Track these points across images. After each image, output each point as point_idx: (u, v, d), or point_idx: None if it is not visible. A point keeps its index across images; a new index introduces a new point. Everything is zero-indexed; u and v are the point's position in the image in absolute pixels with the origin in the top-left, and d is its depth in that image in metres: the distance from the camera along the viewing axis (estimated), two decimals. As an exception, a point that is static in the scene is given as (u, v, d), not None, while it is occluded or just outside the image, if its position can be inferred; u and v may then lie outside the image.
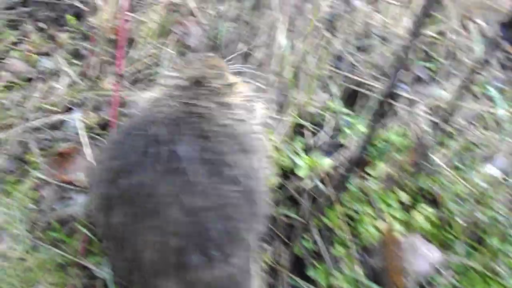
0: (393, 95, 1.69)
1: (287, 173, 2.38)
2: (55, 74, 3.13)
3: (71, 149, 2.68)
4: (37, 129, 2.73)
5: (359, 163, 1.99)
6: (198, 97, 1.75)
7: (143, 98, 1.94)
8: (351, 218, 2.15)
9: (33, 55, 3.32)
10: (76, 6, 3.62)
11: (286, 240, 2.22)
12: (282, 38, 2.81)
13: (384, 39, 3.05)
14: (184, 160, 1.48)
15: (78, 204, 2.44)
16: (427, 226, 2.07)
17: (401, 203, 2.16)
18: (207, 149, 1.55)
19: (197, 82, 1.85)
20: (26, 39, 3.48)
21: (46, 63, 3.25)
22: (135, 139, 1.61)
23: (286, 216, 2.29)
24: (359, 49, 2.96)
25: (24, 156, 2.63)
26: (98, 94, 2.93)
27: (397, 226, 2.06)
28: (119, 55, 2.61)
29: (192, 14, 3.38)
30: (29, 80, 3.10)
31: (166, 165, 1.49)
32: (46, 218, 2.34)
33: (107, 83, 2.94)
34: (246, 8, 3.35)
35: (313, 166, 2.17)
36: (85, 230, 2.21)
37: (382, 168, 2.23)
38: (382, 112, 1.75)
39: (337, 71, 2.82)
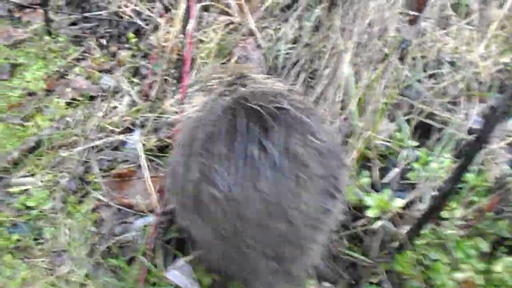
0: (487, 138, 1.54)
1: (352, 209, 2.26)
2: (116, 92, 3.16)
3: (130, 171, 2.67)
4: (98, 149, 2.75)
5: (439, 208, 1.84)
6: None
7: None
8: (423, 265, 2.00)
9: (95, 72, 3.38)
10: (137, 24, 3.67)
11: (352, 282, 2.10)
12: (345, 65, 2.70)
13: (455, 65, 2.87)
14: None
15: (137, 229, 2.42)
16: (510, 279, 1.89)
17: (481, 252, 1.99)
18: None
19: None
20: (88, 55, 3.55)
21: (108, 81, 3.29)
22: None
23: (349, 254, 2.16)
24: (430, 76, 2.79)
25: (85, 176, 2.65)
26: (158, 116, 2.92)
27: (477, 279, 1.89)
28: (183, 81, 2.58)
29: (251, 33, 3.33)
30: (92, 98, 3.14)
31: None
32: (106, 242, 2.33)
33: (168, 105, 2.93)
34: (307, 29, 3.26)
35: (383, 206, 2.04)
36: (144, 259, 2.18)
37: (458, 211, 2.06)
38: (474, 152, 1.60)
39: (406, 99, 2.67)
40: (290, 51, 3.24)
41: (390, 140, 2.46)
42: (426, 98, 2.68)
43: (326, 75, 2.81)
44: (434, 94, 2.72)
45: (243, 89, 1.79)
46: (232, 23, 3.43)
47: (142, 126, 2.87)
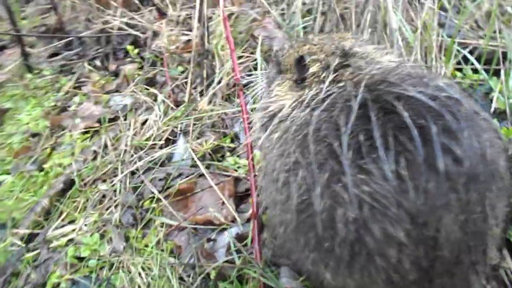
0: None
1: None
2: (137, 108, 2.72)
3: (190, 184, 2.25)
4: (144, 169, 2.31)
5: None
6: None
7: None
8: None
9: (101, 95, 2.93)
10: (132, 35, 3.26)
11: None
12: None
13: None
14: None
15: (225, 244, 2.00)
16: None
17: None
18: None
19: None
20: (87, 80, 3.10)
21: (119, 100, 2.86)
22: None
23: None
24: None
25: (141, 203, 2.19)
26: (197, 118, 2.52)
27: None
28: (235, 65, 2.21)
29: (267, 12, 3.03)
30: (111, 120, 2.69)
31: None
32: (194, 270, 1.89)
33: (204, 105, 2.54)
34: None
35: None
36: (259, 275, 1.76)
37: None
38: None
39: None
40: (308, 23, 2.98)
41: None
42: None
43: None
44: None
45: (364, 73, 1.41)
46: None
47: (185, 133, 2.46)
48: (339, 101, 1.36)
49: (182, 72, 2.88)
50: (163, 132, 2.47)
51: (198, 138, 2.43)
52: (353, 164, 1.23)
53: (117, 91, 2.97)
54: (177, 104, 2.64)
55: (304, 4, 3.07)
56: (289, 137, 1.44)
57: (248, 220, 2.09)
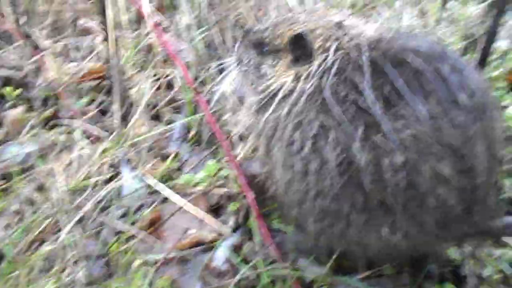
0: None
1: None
2: (48, 152, 2.28)
3: (157, 212, 1.99)
4: (100, 211, 1.95)
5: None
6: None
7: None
8: None
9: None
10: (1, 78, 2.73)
11: None
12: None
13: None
14: None
15: (227, 258, 1.83)
16: None
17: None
18: None
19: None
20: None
21: (17, 150, 2.35)
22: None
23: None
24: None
25: (109, 250, 1.84)
26: (132, 144, 2.25)
27: None
28: (185, 74, 2.04)
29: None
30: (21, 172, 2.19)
31: None
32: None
33: (139, 127, 2.29)
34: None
35: None
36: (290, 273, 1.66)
37: None
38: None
39: None
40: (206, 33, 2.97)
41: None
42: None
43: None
44: None
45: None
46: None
47: (128, 161, 2.17)
48: (347, 64, 1.41)
49: (92, 101, 2.55)
50: (99, 167, 2.12)
51: (144, 162, 2.17)
52: (384, 114, 1.29)
53: (7, 141, 2.43)
54: (98, 136, 2.31)
55: (196, 17, 3.06)
56: (302, 107, 1.43)
57: (237, 228, 1.96)
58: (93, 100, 2.59)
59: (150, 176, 2.10)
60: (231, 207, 2.01)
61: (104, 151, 2.20)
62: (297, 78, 1.50)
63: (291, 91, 1.49)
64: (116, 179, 2.10)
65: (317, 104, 1.40)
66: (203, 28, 3.00)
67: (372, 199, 1.34)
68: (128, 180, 2.09)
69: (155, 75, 2.65)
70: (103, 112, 2.57)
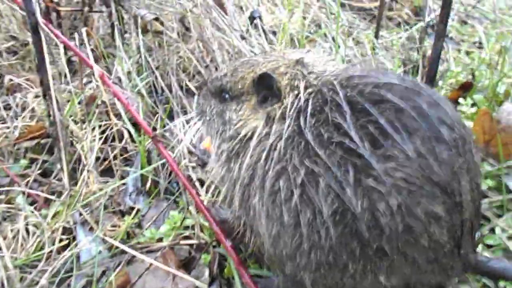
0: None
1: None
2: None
3: (125, 276, 1.82)
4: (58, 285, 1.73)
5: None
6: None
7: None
8: None
9: None
10: None
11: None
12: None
13: None
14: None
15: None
16: None
17: None
18: None
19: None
20: None
21: None
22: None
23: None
24: None
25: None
26: (84, 205, 2.07)
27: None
28: (141, 123, 1.92)
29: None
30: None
31: None
32: None
33: (92, 182, 2.11)
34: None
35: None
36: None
37: None
38: None
39: None
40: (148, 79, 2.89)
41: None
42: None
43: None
44: None
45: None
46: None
47: (82, 223, 1.98)
48: (323, 104, 1.37)
49: (30, 163, 2.32)
50: (51, 235, 1.91)
51: (99, 224, 1.99)
52: (373, 155, 1.25)
53: None
54: (46, 200, 2.10)
55: (136, 63, 2.97)
56: (283, 152, 1.36)
57: (213, 280, 1.84)
58: (32, 162, 2.37)
59: (110, 238, 1.93)
60: (204, 259, 1.90)
61: (54, 215, 1.99)
62: (269, 120, 1.47)
63: (266, 135, 1.44)
64: (71, 246, 1.90)
65: (300, 148, 1.34)
66: (144, 75, 2.94)
67: (370, 246, 1.27)
68: (86, 245, 1.90)
69: (99, 128, 2.50)
70: (45, 174, 2.36)
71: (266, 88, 1.49)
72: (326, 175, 1.26)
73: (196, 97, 1.75)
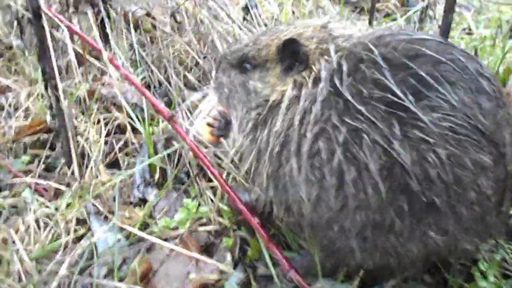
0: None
1: None
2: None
3: (147, 263, 1.77)
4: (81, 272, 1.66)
5: None
6: None
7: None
8: None
9: None
10: None
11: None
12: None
13: None
14: None
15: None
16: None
17: None
18: None
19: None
20: None
21: None
22: None
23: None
24: None
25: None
26: (95, 195, 2.00)
27: None
28: (157, 106, 1.88)
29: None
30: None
31: None
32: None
33: (103, 176, 2.05)
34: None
35: None
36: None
37: None
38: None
39: None
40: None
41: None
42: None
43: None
44: None
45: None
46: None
47: (98, 212, 1.91)
48: (357, 63, 1.36)
49: (32, 159, 2.23)
50: (65, 225, 1.84)
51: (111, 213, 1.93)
52: (418, 106, 1.25)
53: None
54: (56, 192, 2.02)
55: (131, 59, 2.92)
56: (319, 113, 1.34)
57: (236, 263, 1.81)
58: (33, 158, 2.27)
59: (128, 226, 1.87)
60: (226, 242, 1.87)
61: (66, 207, 1.91)
62: (298, 85, 1.46)
63: (296, 99, 1.43)
64: (86, 236, 1.83)
65: (339, 108, 1.33)
66: (139, 70, 2.89)
67: (419, 201, 1.27)
68: (102, 234, 1.83)
69: (100, 121, 2.43)
70: (47, 170, 2.27)
71: (291, 54, 1.49)
72: (371, 131, 1.26)
73: (213, 72, 1.72)
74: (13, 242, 1.75)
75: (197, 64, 2.88)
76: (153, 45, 3.11)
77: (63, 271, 1.65)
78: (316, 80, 1.41)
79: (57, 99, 2.11)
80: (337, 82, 1.35)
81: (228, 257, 1.84)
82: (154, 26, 3.21)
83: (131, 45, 3.11)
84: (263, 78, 1.55)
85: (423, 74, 1.27)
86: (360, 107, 1.29)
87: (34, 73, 3.16)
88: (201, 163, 1.84)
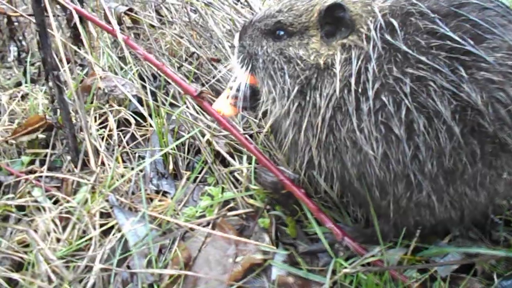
0: None
1: None
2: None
3: (185, 248, 1.65)
4: (119, 264, 1.52)
5: None
6: None
7: None
8: None
9: None
10: None
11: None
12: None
13: None
14: None
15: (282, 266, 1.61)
16: None
17: None
18: None
19: None
20: None
21: None
22: None
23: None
24: None
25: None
26: (110, 186, 1.85)
27: None
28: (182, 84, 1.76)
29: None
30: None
31: None
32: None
33: (116, 167, 1.90)
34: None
35: None
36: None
37: None
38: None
39: None
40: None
41: None
42: None
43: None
44: None
45: None
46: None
47: (121, 204, 1.77)
48: (406, 16, 1.36)
49: (34, 157, 2.05)
50: (90, 220, 1.68)
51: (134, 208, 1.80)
52: (480, 47, 1.27)
53: None
54: (68, 192, 1.85)
55: (119, 57, 2.77)
56: (377, 70, 1.32)
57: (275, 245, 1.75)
58: (35, 157, 2.08)
59: (160, 215, 1.75)
60: (263, 223, 1.79)
61: (87, 201, 1.76)
62: (346, 48, 1.43)
63: (348, 61, 1.40)
64: (114, 230, 1.69)
65: (398, 61, 1.32)
66: (130, 65, 2.75)
67: (491, 142, 1.28)
68: (128, 227, 1.69)
69: (104, 115, 2.29)
70: (49, 169, 2.08)
71: (336, 19, 1.46)
72: (436, 78, 1.27)
73: (236, 40, 1.64)
74: (35, 242, 1.57)
75: (191, 54, 2.78)
76: (140, 40, 2.99)
77: (98, 266, 1.51)
78: (368, 40, 1.40)
79: (60, 91, 1.95)
80: (389, 38, 1.35)
81: (267, 237, 1.77)
82: (137, 22, 3.10)
83: (114, 41, 2.98)
84: (305, 45, 1.51)
85: (476, 19, 1.31)
86: (421, 57, 1.30)
87: (4, 81, 2.97)
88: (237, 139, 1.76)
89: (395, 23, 1.35)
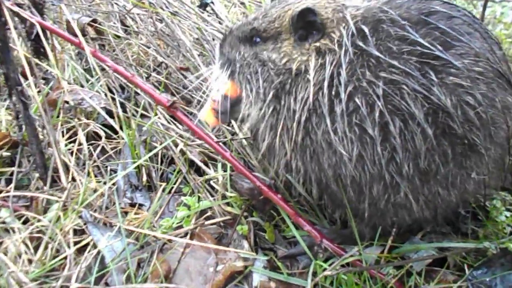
0: None
1: None
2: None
3: (164, 260, 1.63)
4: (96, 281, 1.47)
5: None
6: None
7: None
8: None
9: None
10: None
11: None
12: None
13: None
14: None
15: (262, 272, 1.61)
16: None
17: None
18: None
19: None
20: None
21: None
22: None
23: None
24: None
25: None
26: (85, 203, 1.81)
27: None
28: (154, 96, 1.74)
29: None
30: None
31: None
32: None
33: (88, 182, 1.85)
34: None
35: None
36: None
37: None
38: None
39: None
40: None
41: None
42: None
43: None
44: None
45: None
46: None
47: (94, 220, 1.73)
48: (378, 23, 1.42)
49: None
50: (64, 239, 1.63)
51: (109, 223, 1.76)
52: (449, 54, 1.35)
53: None
54: (38, 210, 1.79)
55: (84, 69, 2.70)
56: (350, 74, 1.37)
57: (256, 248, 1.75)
58: (0, 176, 2.00)
59: (136, 228, 1.72)
60: (241, 230, 1.80)
61: (59, 219, 1.70)
62: (320, 53, 1.47)
63: (321, 66, 1.45)
64: (89, 245, 1.64)
65: (370, 65, 1.37)
66: (97, 77, 2.70)
67: (460, 144, 1.34)
68: (104, 243, 1.65)
69: (73, 129, 2.23)
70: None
71: (307, 23, 1.50)
72: (408, 81, 1.32)
73: (217, 49, 1.67)
74: (6, 265, 1.51)
75: (159, 64, 2.76)
76: (106, 51, 2.93)
77: (75, 285, 1.46)
78: (339, 46, 1.44)
79: (25, 106, 1.89)
80: (361, 43, 1.40)
81: (246, 244, 1.77)
82: (101, 32, 3.04)
83: (78, 53, 2.92)
84: (278, 49, 1.54)
85: (444, 27, 1.38)
86: (393, 61, 1.35)
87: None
88: (212, 148, 1.75)
89: (366, 30, 1.41)
